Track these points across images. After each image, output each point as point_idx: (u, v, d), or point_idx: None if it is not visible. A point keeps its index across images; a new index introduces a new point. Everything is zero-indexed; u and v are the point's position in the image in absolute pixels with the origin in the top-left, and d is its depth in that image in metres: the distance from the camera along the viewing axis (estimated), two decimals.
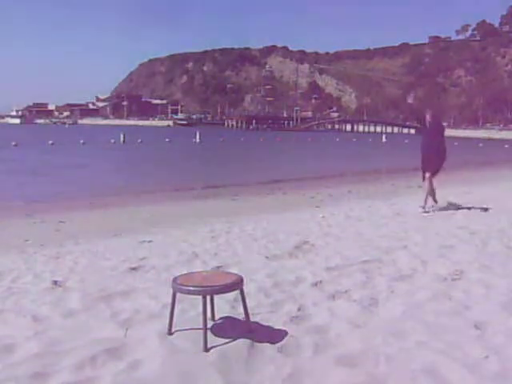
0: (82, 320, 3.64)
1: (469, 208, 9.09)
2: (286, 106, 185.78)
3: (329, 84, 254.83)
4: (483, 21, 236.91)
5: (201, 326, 3.10)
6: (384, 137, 75.40)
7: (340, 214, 9.25)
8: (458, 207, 9.05)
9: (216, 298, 3.52)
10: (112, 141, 45.59)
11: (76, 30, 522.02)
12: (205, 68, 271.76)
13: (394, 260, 5.28)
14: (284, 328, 3.42)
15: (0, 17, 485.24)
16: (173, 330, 3.31)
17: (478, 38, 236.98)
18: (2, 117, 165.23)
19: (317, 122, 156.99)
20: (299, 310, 3.81)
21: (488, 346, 3.14)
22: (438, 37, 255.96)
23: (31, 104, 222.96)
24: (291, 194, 13.86)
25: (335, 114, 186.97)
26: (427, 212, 8.64)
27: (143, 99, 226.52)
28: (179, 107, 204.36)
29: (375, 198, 12.11)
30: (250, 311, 3.44)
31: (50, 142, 42.27)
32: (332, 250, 5.87)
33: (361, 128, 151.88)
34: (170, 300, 3.34)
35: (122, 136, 46.84)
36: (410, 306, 3.87)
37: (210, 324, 3.31)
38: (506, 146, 58.07)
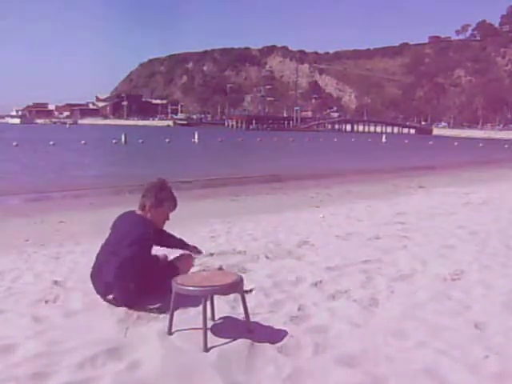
0: (82, 320, 3.64)
1: (469, 208, 9.09)
2: (285, 106, 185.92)
3: (329, 84, 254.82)
4: (483, 21, 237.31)
5: (201, 326, 3.10)
6: (384, 137, 75.44)
7: (340, 214, 9.24)
8: (457, 207, 9.05)
9: (216, 297, 3.52)
10: (114, 141, 45.62)
11: (76, 29, 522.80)
12: (205, 68, 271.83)
13: (393, 260, 5.28)
14: (284, 328, 3.41)
15: (0, 17, 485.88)
16: (173, 329, 3.31)
17: (478, 38, 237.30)
18: (2, 117, 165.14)
19: (317, 122, 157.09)
20: (299, 309, 3.81)
21: (488, 345, 3.15)
22: (438, 37, 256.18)
23: (31, 104, 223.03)
24: (291, 194, 13.84)
25: (335, 114, 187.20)
26: None
27: (143, 99, 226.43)
28: (179, 107, 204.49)
29: (375, 197, 12.09)
30: (249, 311, 3.44)
31: (51, 142, 42.36)
32: (332, 250, 5.87)
33: (361, 128, 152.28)
34: (170, 300, 3.34)
35: (123, 136, 46.88)
36: (410, 306, 3.87)
37: (210, 324, 3.31)
38: (506, 146, 58.18)
